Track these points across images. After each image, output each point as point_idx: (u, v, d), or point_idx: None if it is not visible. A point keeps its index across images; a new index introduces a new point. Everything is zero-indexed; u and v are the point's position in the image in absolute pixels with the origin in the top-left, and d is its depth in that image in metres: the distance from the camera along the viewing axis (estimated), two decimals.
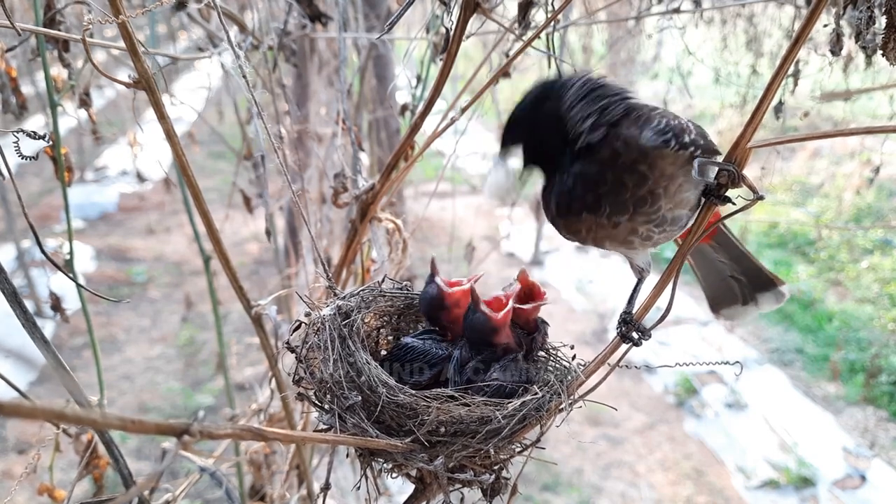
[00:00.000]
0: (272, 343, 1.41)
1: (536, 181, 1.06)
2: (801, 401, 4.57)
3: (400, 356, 1.12)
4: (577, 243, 1.04)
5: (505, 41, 1.67)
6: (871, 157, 5.10)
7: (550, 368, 1.13)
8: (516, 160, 1.04)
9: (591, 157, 0.96)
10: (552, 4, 1.29)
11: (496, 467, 1.05)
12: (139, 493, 1.10)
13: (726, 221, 1.06)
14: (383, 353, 1.23)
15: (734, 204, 0.95)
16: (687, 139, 0.94)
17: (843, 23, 1.41)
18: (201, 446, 2.73)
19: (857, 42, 1.26)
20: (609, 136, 0.96)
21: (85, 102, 1.53)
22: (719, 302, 1.19)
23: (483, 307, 1.06)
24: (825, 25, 1.46)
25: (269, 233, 1.64)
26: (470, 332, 1.09)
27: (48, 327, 4.80)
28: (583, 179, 0.96)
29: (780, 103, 1.86)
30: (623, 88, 1.02)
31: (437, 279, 1.13)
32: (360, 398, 0.98)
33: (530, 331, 1.12)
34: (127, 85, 0.98)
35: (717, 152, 0.99)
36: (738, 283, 1.15)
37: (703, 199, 0.97)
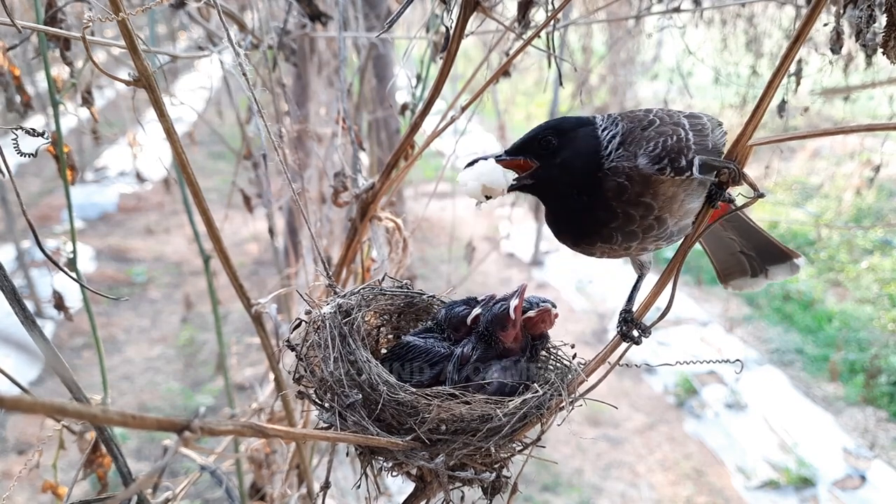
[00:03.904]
0: (272, 342, 1.41)
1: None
2: (801, 401, 4.57)
3: (401, 355, 1.12)
4: None
5: (505, 40, 1.67)
6: (871, 157, 5.10)
7: (551, 367, 1.13)
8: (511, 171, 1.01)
9: (599, 190, 0.96)
10: (552, 3, 1.29)
11: (497, 466, 1.05)
12: (139, 489, 1.10)
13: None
14: (383, 351, 1.23)
15: (734, 204, 0.95)
16: (683, 162, 0.93)
17: (843, 21, 1.42)
18: (202, 445, 2.73)
19: (857, 41, 1.26)
20: (614, 169, 0.96)
21: (87, 101, 1.53)
22: (729, 274, 1.18)
23: (512, 302, 1.07)
24: (825, 24, 1.46)
25: (271, 231, 1.65)
26: (487, 321, 1.09)
27: (48, 327, 4.80)
28: (594, 214, 0.97)
29: (783, 102, 1.86)
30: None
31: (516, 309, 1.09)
32: (360, 396, 0.98)
33: (535, 338, 1.12)
34: (127, 83, 0.97)
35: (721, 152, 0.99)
36: (747, 258, 1.14)
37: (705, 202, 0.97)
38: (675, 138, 0.94)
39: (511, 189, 1.00)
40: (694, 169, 0.92)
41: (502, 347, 1.08)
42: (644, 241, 0.98)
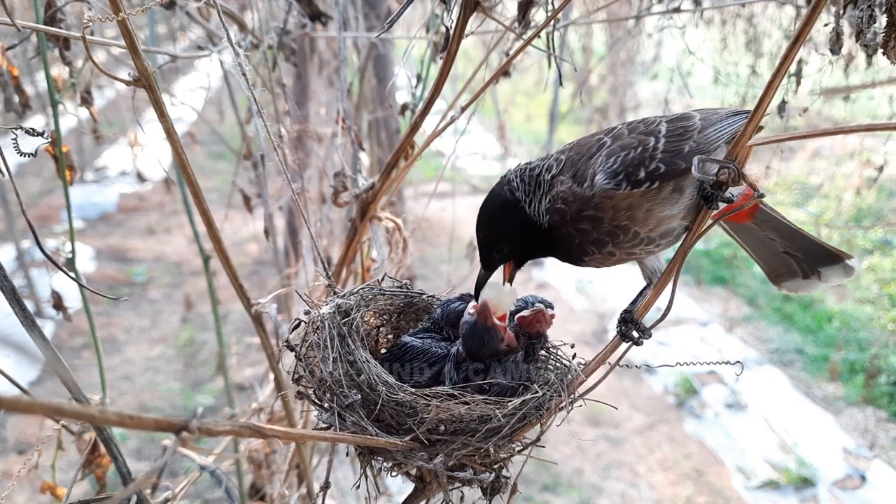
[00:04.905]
0: (272, 342, 1.41)
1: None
2: (801, 401, 4.57)
3: (399, 355, 1.12)
4: None
5: (505, 40, 1.67)
6: (871, 158, 5.10)
7: (551, 367, 1.13)
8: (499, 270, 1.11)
9: (551, 226, 1.03)
10: (552, 3, 1.29)
11: (496, 466, 1.05)
12: (138, 489, 1.10)
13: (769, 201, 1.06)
14: (383, 351, 1.23)
15: (733, 202, 0.95)
16: (642, 174, 0.94)
17: (843, 22, 1.41)
18: (202, 445, 2.73)
19: (857, 41, 1.26)
20: (551, 202, 1.02)
21: (86, 101, 1.53)
22: (779, 275, 1.16)
23: (496, 321, 1.07)
24: (825, 24, 1.46)
25: (267, 232, 1.65)
26: (478, 346, 1.08)
27: (48, 327, 4.80)
28: (560, 242, 1.04)
29: (784, 102, 1.85)
30: (558, 152, 1.07)
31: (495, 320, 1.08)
32: (359, 396, 0.98)
33: (533, 338, 1.12)
34: (127, 83, 0.97)
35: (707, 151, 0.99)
36: (794, 259, 1.13)
37: (701, 203, 0.97)
38: (638, 150, 0.96)
39: (510, 282, 1.11)
40: (694, 170, 0.92)
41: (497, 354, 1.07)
42: (619, 247, 1.00)
